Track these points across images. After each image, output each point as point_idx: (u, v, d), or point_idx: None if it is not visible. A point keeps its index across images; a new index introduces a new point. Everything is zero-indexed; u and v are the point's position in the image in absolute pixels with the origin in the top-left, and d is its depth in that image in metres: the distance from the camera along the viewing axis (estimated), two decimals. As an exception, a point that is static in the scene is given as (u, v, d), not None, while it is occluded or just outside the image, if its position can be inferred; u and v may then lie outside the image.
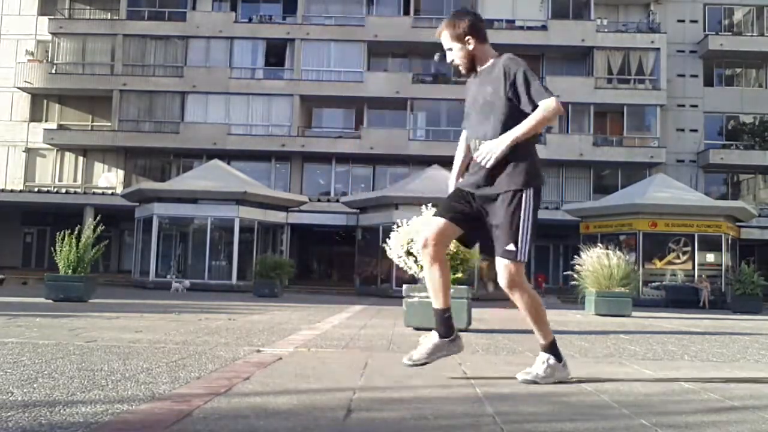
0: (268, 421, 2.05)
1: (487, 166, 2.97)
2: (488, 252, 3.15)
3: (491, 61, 3.15)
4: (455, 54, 3.15)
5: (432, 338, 3.07)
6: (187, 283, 17.94)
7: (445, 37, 3.17)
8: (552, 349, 3.10)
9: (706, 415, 2.41)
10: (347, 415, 2.17)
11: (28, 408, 2.09)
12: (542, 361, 3.06)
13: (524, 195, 2.97)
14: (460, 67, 3.19)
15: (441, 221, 3.08)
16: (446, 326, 3.08)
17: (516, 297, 3.05)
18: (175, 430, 1.89)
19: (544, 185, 3.13)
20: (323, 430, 1.98)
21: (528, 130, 2.96)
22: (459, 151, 3.37)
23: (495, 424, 2.12)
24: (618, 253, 11.74)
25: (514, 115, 3.00)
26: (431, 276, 3.07)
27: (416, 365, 3.04)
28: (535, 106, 2.98)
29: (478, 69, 3.17)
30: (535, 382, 2.99)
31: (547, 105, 2.97)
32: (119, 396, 2.35)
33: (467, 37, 3.11)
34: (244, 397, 2.43)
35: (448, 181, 3.36)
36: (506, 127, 2.99)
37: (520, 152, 2.99)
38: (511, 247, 2.95)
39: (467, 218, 3.09)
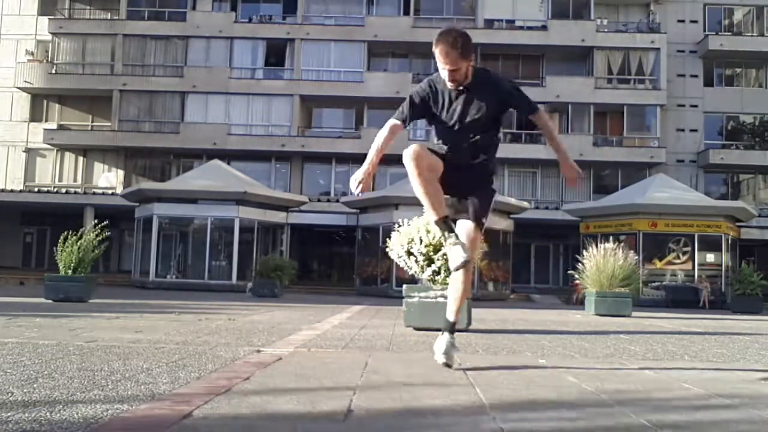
0: (267, 422, 2.05)
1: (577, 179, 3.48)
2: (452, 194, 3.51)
3: (471, 74, 3.34)
4: (461, 72, 3.26)
5: (454, 242, 3.27)
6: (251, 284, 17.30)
7: (456, 60, 3.21)
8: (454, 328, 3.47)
9: (707, 416, 2.42)
10: (347, 416, 2.17)
11: (28, 408, 2.09)
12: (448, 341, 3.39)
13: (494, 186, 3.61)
14: (456, 83, 3.30)
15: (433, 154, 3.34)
16: (451, 229, 3.33)
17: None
18: (175, 430, 1.89)
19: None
20: (323, 430, 1.98)
21: (560, 139, 3.41)
22: (381, 144, 3.46)
23: (495, 424, 2.12)
24: (629, 251, 11.72)
25: (496, 127, 3.47)
26: (425, 190, 3.28)
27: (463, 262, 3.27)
28: (531, 114, 3.41)
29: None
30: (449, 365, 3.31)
31: (545, 115, 3.45)
32: (119, 396, 2.35)
33: (472, 54, 3.29)
34: (244, 397, 2.43)
35: (363, 168, 3.40)
36: (492, 136, 3.46)
37: (495, 154, 3.55)
38: (484, 219, 3.50)
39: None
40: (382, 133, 3.48)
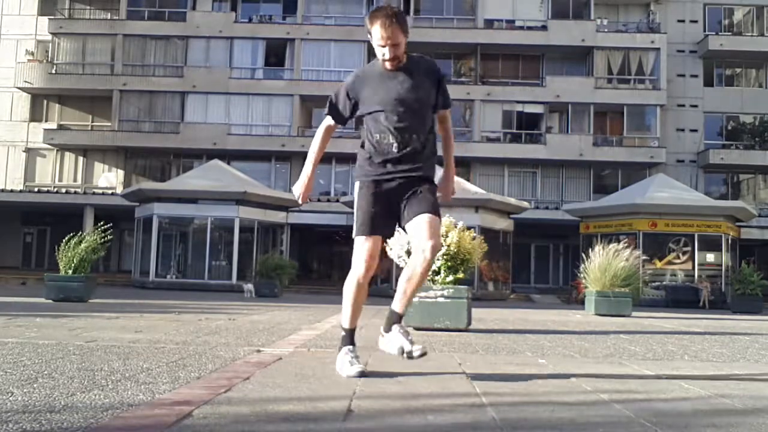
0: (268, 422, 2.05)
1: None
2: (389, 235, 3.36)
3: (406, 56, 3.18)
4: (401, 49, 3.09)
5: (349, 350, 3.15)
6: (250, 286, 17.00)
7: (397, 32, 3.05)
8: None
9: (706, 416, 2.42)
10: (347, 416, 2.17)
11: (28, 408, 2.09)
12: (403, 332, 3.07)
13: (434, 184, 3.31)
14: (395, 62, 3.12)
15: (377, 241, 3.16)
16: (353, 343, 3.20)
17: (434, 253, 3.05)
18: (175, 430, 1.89)
19: None
20: (323, 430, 1.98)
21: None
22: (319, 147, 3.36)
23: (494, 423, 2.12)
24: (635, 252, 11.72)
25: (431, 118, 3.28)
26: (361, 297, 3.18)
27: (361, 375, 3.00)
28: (446, 108, 3.33)
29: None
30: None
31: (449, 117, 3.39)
32: (119, 396, 2.35)
33: (408, 31, 3.14)
34: (244, 397, 2.43)
35: (303, 180, 3.30)
36: (428, 125, 3.24)
37: (433, 149, 3.28)
38: (437, 211, 3.17)
39: (390, 221, 3.21)
40: (318, 137, 3.37)
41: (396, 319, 3.09)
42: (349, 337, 3.19)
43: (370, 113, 3.19)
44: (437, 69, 3.28)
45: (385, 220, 3.18)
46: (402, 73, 3.15)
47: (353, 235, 3.18)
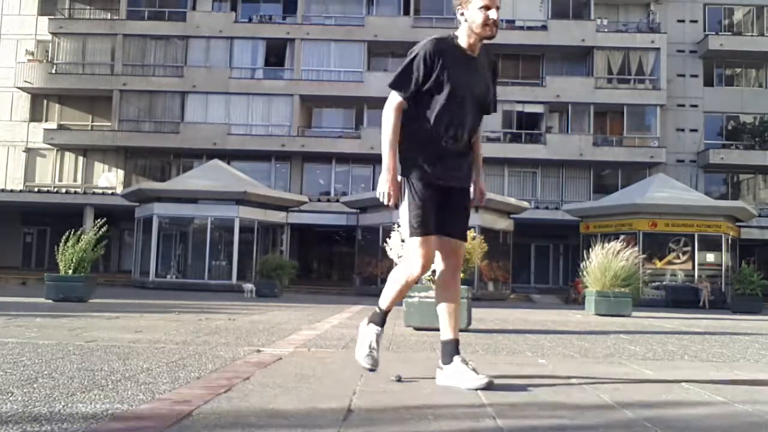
0: (267, 421, 2.05)
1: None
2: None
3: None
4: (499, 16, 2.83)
5: (376, 334, 3.02)
6: (250, 286, 16.85)
7: None
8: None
9: (706, 416, 2.42)
10: (347, 415, 2.17)
11: (28, 408, 2.09)
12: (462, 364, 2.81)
13: None
14: (495, 30, 2.81)
15: (435, 241, 2.90)
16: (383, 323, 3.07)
17: (457, 278, 2.97)
18: (175, 430, 1.89)
19: None
20: (323, 430, 1.98)
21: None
22: (394, 131, 2.83)
23: (495, 423, 2.12)
24: (634, 251, 11.73)
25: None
26: (407, 290, 3.07)
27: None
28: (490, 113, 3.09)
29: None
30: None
31: None
32: (119, 396, 2.35)
33: None
34: (243, 397, 2.43)
35: (389, 176, 2.80)
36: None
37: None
38: (466, 234, 3.03)
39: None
40: (390, 121, 2.82)
41: (453, 348, 2.85)
42: (382, 319, 3.01)
43: (439, 93, 2.82)
44: (498, 67, 3.04)
45: (436, 218, 2.90)
46: (475, 61, 2.88)
47: (410, 235, 2.84)
